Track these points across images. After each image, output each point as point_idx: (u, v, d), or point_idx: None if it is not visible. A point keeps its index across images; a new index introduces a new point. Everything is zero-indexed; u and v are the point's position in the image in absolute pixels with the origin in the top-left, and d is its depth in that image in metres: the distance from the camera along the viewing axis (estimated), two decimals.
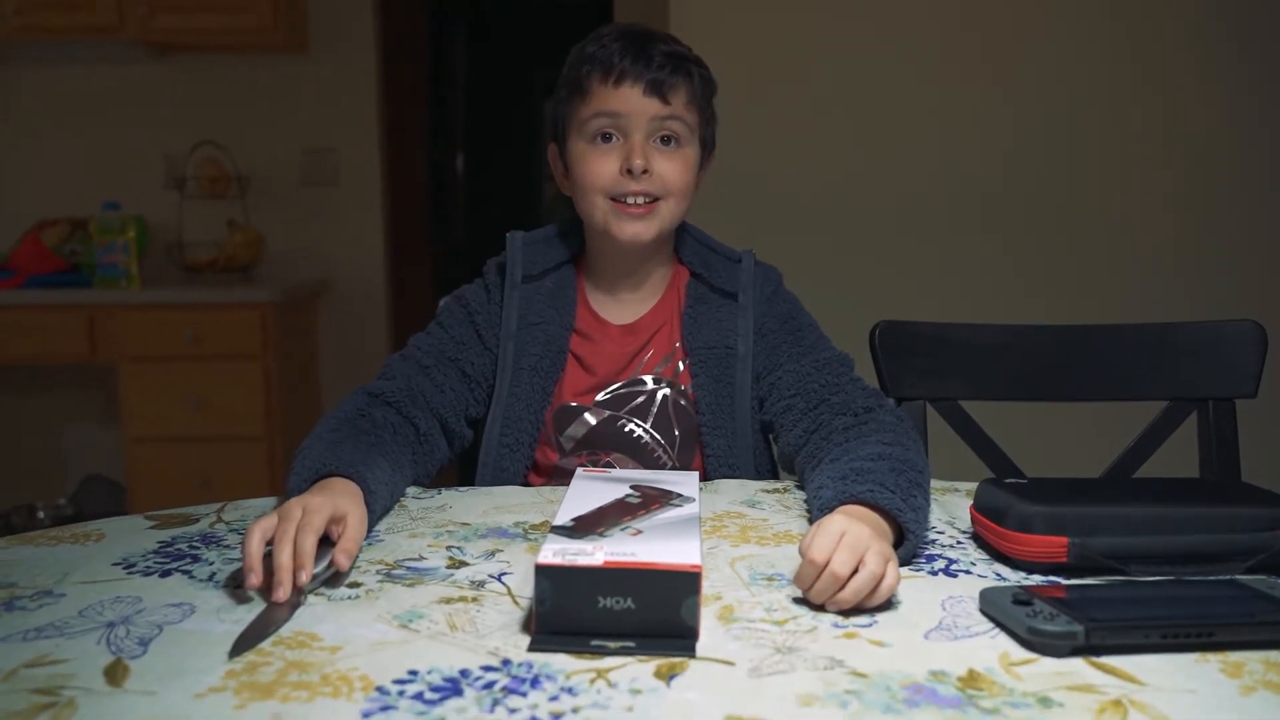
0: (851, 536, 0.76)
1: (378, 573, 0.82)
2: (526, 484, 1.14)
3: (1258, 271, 2.66)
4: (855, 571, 0.74)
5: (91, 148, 3.20)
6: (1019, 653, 0.68)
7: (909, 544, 0.85)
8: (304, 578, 0.74)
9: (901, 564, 0.83)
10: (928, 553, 0.88)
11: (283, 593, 0.73)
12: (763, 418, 1.14)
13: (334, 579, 0.80)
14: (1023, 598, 0.72)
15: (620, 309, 1.18)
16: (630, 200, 1.09)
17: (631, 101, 1.08)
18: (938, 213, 2.68)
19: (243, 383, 2.80)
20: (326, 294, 3.28)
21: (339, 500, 0.83)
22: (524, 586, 0.79)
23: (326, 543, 0.81)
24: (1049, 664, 0.66)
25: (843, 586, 0.74)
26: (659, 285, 1.19)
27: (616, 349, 1.16)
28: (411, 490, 1.06)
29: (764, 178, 2.65)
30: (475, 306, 1.17)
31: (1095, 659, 0.66)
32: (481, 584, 0.79)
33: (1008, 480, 0.92)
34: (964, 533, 0.94)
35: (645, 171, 1.08)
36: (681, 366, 1.16)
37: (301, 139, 3.23)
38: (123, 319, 2.78)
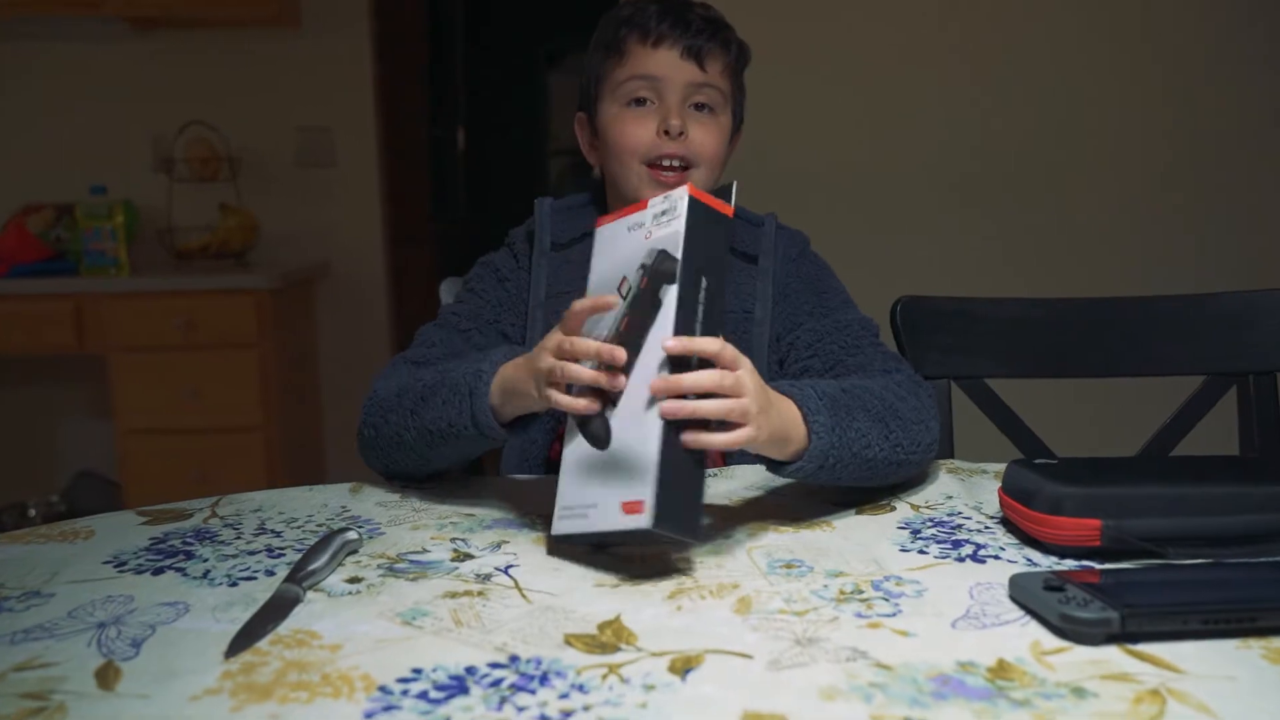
0: (739, 376, 0.79)
1: (379, 567, 0.82)
2: (548, 456, 1.15)
3: None
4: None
5: (76, 130, 3.20)
6: (1051, 641, 0.67)
7: (810, 449, 0.87)
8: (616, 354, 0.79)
9: (802, 472, 0.88)
10: (954, 538, 0.88)
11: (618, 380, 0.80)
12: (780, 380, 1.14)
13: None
14: (1055, 583, 0.71)
15: None
16: (666, 164, 1.11)
17: (669, 65, 1.11)
18: (955, 185, 2.67)
19: (238, 372, 2.80)
20: (324, 279, 3.28)
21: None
22: (532, 579, 0.79)
23: (337, 535, 0.82)
24: (1083, 653, 0.66)
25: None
26: None
27: None
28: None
29: (773, 152, 2.64)
30: (505, 273, 1.19)
31: (1131, 646, 0.66)
32: (488, 577, 0.79)
33: (1037, 461, 0.91)
34: (992, 517, 0.94)
35: (682, 133, 1.10)
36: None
37: (295, 117, 3.23)
38: (112, 308, 2.78)
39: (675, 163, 1.11)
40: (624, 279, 0.83)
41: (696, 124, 1.12)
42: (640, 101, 1.12)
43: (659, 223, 0.83)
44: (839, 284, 1.19)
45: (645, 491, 0.77)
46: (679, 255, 0.80)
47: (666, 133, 1.10)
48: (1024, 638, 0.68)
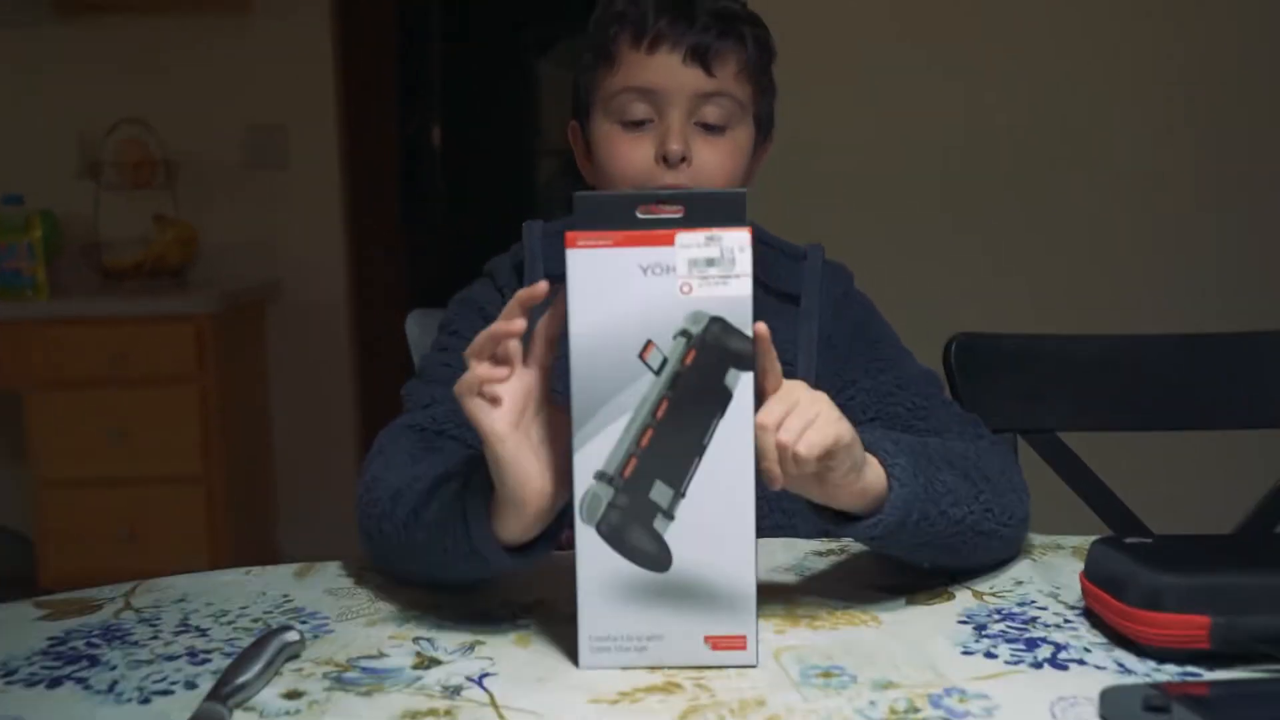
0: (805, 403, 0.81)
1: (325, 676, 0.79)
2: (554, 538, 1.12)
3: None
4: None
5: None
6: None
7: (892, 497, 0.87)
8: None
9: (880, 527, 0.87)
10: (1027, 635, 0.85)
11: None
12: None
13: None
14: (1157, 701, 0.68)
15: None
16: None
17: (669, 73, 1.07)
18: (1001, 200, 2.69)
19: (175, 412, 2.80)
20: (276, 301, 3.28)
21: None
22: (512, 692, 0.76)
23: (274, 636, 0.80)
24: None
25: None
26: None
27: None
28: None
29: (796, 157, 2.65)
30: (492, 311, 1.15)
31: None
32: (457, 690, 0.77)
33: (1127, 540, 0.89)
34: (1073, 608, 0.91)
35: (684, 160, 1.07)
36: None
37: (243, 114, 3.23)
38: (29, 336, 2.78)
39: None
40: (649, 344, 0.78)
41: (705, 144, 1.08)
42: (636, 122, 1.08)
43: (704, 275, 0.77)
44: (889, 328, 1.18)
45: (746, 624, 0.79)
46: (749, 330, 0.77)
47: (665, 159, 1.06)
48: None
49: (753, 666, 0.79)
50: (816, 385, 1.11)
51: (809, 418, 0.81)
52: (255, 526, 3.11)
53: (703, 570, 0.79)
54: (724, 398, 0.78)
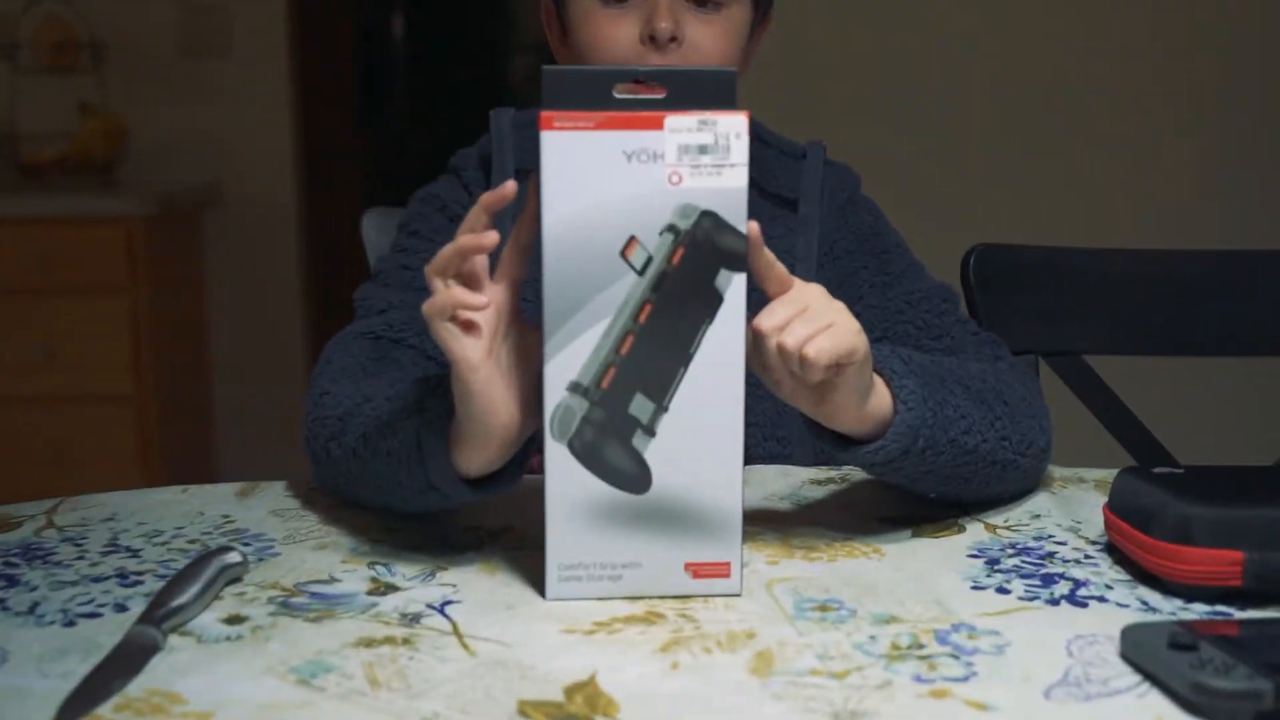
0: (818, 308, 0.81)
1: (270, 601, 0.80)
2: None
3: None
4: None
5: None
6: (1179, 718, 0.65)
7: (897, 421, 0.87)
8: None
9: (883, 454, 0.87)
10: (1044, 571, 0.87)
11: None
12: None
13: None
14: (1183, 639, 0.69)
15: None
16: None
17: None
18: (1028, 96, 2.68)
19: (103, 326, 2.79)
20: (215, 204, 3.26)
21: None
22: (477, 621, 0.77)
23: (213, 558, 0.80)
24: None
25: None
26: None
27: None
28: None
29: (797, 42, 2.63)
30: (457, 209, 1.16)
31: None
32: (417, 618, 0.78)
33: (1155, 470, 0.90)
34: (1094, 543, 0.93)
35: (674, 40, 1.05)
36: None
37: None
38: None
39: None
40: (632, 240, 0.77)
41: (695, 23, 1.06)
42: None
43: (696, 164, 0.77)
44: (899, 237, 1.18)
45: (730, 550, 0.80)
46: (744, 227, 0.77)
47: (653, 38, 1.04)
48: (1143, 714, 0.66)
49: (737, 595, 0.80)
50: None
51: (821, 324, 0.81)
52: (192, 451, 3.12)
53: (685, 492, 0.80)
54: (714, 301, 0.78)
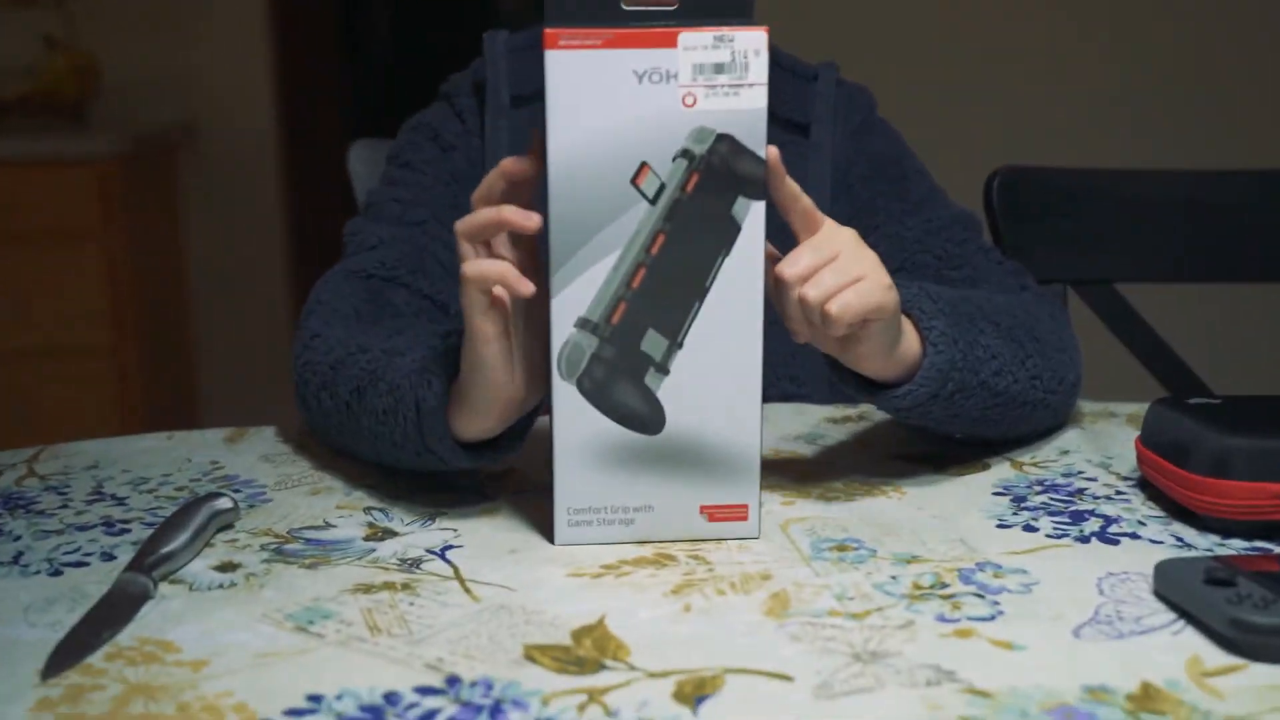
0: (847, 259, 0.80)
1: (263, 548, 0.81)
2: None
3: None
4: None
5: None
6: (1217, 657, 0.66)
7: (926, 365, 0.87)
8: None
9: (910, 399, 0.87)
10: (1074, 508, 0.87)
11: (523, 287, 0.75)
12: None
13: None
14: (1220, 574, 0.70)
15: None
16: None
17: None
18: (1062, 15, 2.65)
19: (76, 273, 2.78)
20: (192, 142, 3.25)
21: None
22: (480, 566, 0.78)
23: (203, 504, 0.81)
24: (1261, 673, 0.64)
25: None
26: None
27: None
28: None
29: None
30: (450, 138, 1.16)
31: None
32: (417, 563, 0.78)
33: (1191, 400, 0.91)
34: (1126, 478, 0.93)
35: None
36: None
37: None
38: None
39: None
40: (644, 167, 0.77)
41: None
42: None
43: (711, 84, 0.76)
44: (918, 162, 1.18)
45: (748, 492, 0.81)
46: (764, 151, 0.76)
47: None
48: (1178, 652, 0.67)
49: (755, 539, 0.81)
50: None
51: (849, 277, 0.80)
52: (173, 404, 3.12)
53: (700, 431, 0.80)
54: (731, 231, 0.78)
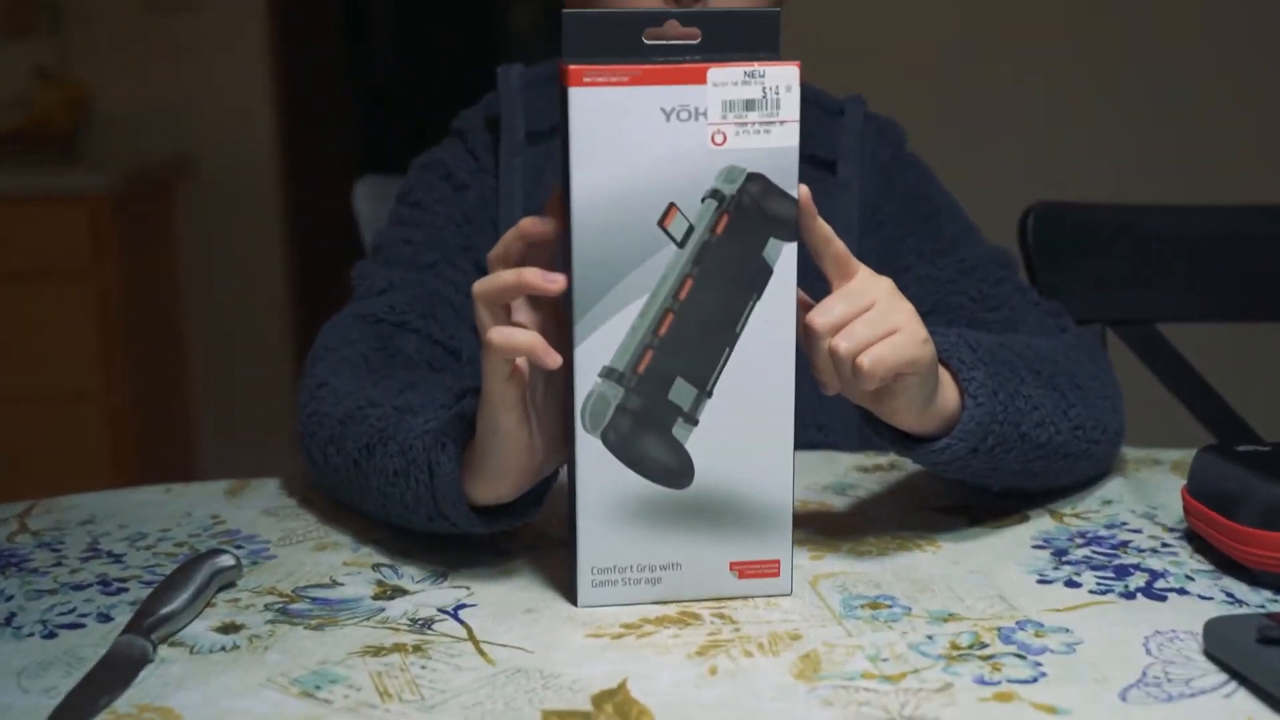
0: (882, 310, 0.80)
1: (267, 608, 0.81)
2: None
3: None
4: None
5: None
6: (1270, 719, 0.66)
7: (965, 419, 0.86)
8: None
9: (949, 453, 0.86)
10: (1117, 562, 0.87)
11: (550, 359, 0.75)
12: None
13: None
14: (1274, 633, 0.69)
15: None
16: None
17: None
18: (1099, 50, 2.66)
19: (67, 314, 2.78)
20: (188, 176, 3.26)
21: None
22: (495, 626, 0.78)
23: (204, 561, 0.81)
24: None
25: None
26: None
27: None
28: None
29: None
30: (462, 176, 1.16)
31: None
32: (429, 623, 0.78)
33: (1239, 448, 0.90)
34: (1172, 530, 0.93)
35: None
36: None
37: None
38: None
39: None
40: (672, 208, 0.77)
41: None
42: None
43: (742, 121, 0.76)
44: (950, 198, 1.18)
45: (780, 547, 0.81)
46: (794, 191, 0.77)
47: None
48: (1230, 715, 0.67)
49: (787, 595, 0.81)
50: None
51: (882, 330, 0.80)
52: (169, 454, 3.12)
53: (730, 485, 0.80)
54: (762, 275, 0.78)
